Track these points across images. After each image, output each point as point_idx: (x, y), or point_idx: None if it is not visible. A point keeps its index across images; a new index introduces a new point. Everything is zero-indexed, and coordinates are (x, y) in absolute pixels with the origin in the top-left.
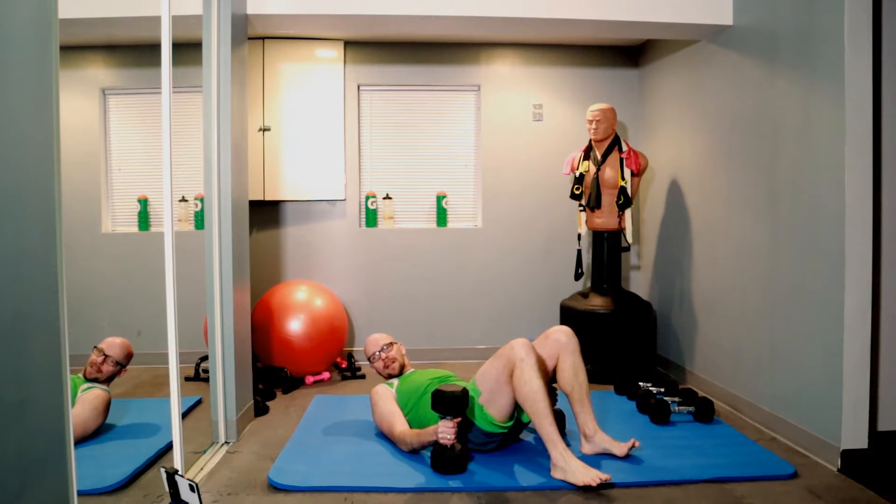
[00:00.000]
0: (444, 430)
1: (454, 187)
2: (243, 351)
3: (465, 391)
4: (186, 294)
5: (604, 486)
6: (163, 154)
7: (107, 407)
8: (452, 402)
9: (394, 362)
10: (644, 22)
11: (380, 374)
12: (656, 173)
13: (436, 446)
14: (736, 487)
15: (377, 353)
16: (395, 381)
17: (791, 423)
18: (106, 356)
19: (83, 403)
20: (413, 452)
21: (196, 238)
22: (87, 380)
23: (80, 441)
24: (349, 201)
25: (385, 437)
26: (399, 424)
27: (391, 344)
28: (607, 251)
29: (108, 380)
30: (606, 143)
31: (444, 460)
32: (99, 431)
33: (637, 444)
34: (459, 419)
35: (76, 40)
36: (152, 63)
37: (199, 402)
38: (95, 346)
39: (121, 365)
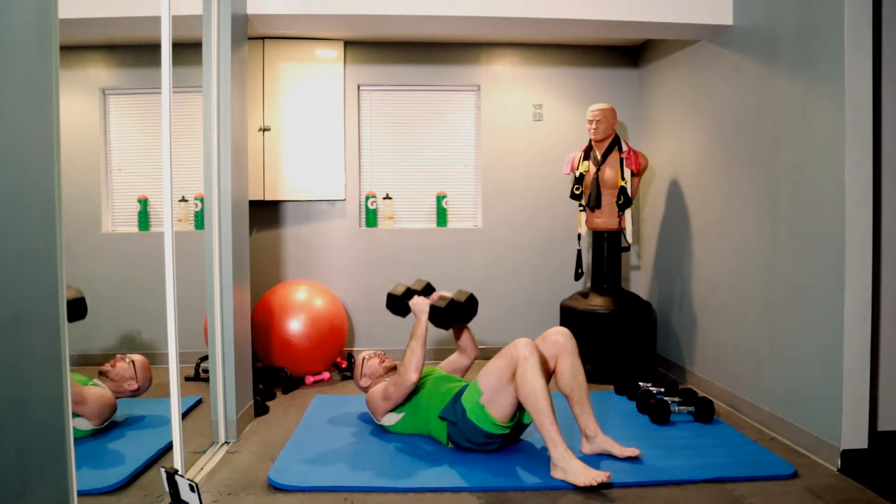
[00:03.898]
0: (419, 304)
1: (454, 187)
2: (243, 351)
3: (404, 291)
4: (186, 294)
5: (604, 486)
6: (163, 154)
7: (109, 409)
8: (398, 298)
9: (384, 361)
10: (644, 22)
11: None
12: (656, 173)
13: (432, 318)
14: (736, 487)
15: (373, 352)
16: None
17: (791, 423)
18: (123, 357)
19: (89, 391)
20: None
21: (196, 238)
22: (100, 379)
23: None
24: (349, 201)
25: (384, 434)
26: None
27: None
28: (607, 251)
29: (117, 390)
30: (606, 143)
31: (443, 313)
32: (98, 432)
33: (638, 453)
34: (414, 294)
35: (76, 40)
36: (152, 63)
37: (199, 402)
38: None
39: (134, 368)
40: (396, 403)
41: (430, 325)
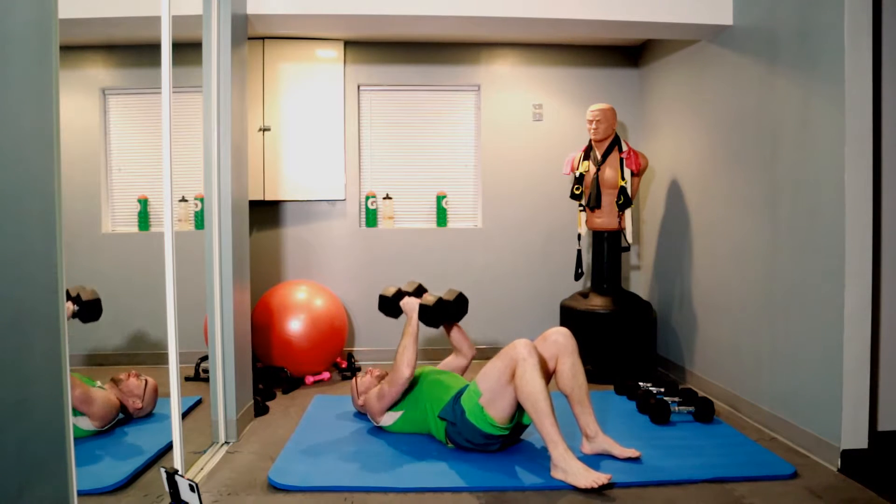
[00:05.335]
0: (409, 303)
1: (454, 187)
2: (243, 351)
3: (395, 292)
4: (186, 294)
5: (604, 486)
6: (163, 154)
7: (113, 412)
8: (389, 300)
9: (375, 373)
10: (644, 22)
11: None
12: (656, 173)
13: (421, 316)
14: (736, 487)
15: (363, 371)
16: None
17: (791, 423)
18: (138, 375)
19: (96, 392)
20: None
21: (196, 238)
22: (109, 384)
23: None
24: (349, 201)
25: (384, 434)
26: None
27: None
28: (607, 251)
29: (123, 405)
30: (606, 143)
31: (431, 311)
32: (100, 432)
33: (638, 454)
34: (405, 295)
35: (76, 40)
36: (152, 63)
37: (199, 402)
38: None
39: (145, 385)
40: (392, 400)
41: (423, 326)
